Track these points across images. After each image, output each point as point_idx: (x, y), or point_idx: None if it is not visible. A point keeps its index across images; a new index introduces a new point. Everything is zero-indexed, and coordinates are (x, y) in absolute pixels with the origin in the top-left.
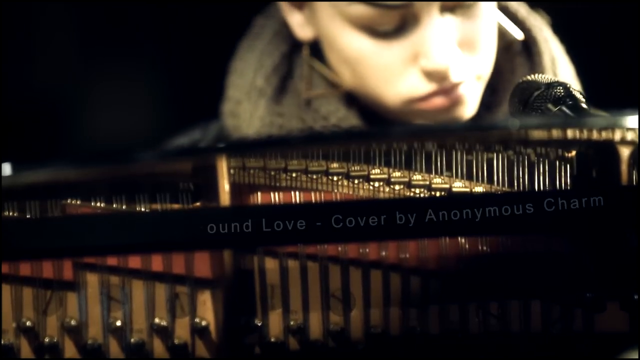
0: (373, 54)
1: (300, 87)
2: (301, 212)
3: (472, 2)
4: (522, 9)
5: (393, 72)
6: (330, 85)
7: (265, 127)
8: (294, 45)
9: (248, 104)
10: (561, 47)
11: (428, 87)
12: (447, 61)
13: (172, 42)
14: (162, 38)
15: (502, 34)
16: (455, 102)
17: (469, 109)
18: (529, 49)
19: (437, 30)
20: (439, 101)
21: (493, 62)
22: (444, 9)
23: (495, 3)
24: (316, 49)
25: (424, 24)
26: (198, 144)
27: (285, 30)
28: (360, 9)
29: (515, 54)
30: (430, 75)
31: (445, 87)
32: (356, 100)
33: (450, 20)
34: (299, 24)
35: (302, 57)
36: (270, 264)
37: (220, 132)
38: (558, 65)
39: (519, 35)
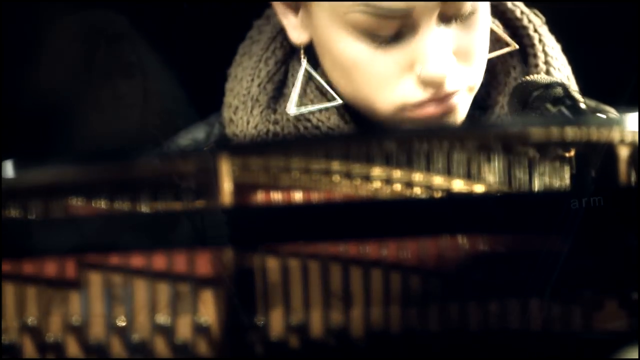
0: (369, 61)
1: (291, 95)
2: (302, 211)
3: (469, 13)
4: (517, 9)
5: (388, 79)
6: (324, 97)
7: (261, 136)
8: (290, 51)
9: (244, 112)
10: (558, 46)
11: (422, 94)
12: (444, 70)
13: (176, 40)
14: (166, 36)
15: (497, 41)
16: (447, 111)
17: (459, 118)
18: (524, 50)
19: (434, 39)
20: (431, 109)
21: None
22: (442, 19)
23: (489, 4)
24: (309, 57)
25: (422, 32)
26: (202, 147)
27: (280, 37)
28: (359, 17)
29: (510, 56)
30: (426, 83)
31: (439, 96)
32: (348, 112)
33: (448, 31)
34: (294, 26)
35: (298, 61)
36: (272, 263)
37: (224, 130)
38: (553, 65)
39: (513, 44)
